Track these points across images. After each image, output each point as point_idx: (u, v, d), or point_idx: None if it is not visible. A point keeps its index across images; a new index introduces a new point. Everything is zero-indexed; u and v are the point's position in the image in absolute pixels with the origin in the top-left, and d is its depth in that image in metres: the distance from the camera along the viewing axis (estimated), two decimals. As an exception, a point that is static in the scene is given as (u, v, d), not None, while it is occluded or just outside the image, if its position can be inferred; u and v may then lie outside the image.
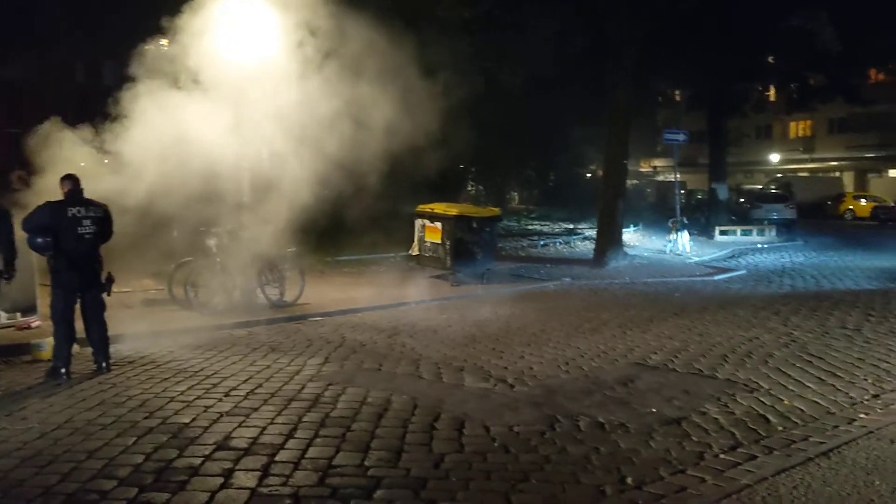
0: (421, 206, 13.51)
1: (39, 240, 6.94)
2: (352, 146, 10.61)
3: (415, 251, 13.54)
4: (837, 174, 49.03)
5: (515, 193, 43.96)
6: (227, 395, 6.25)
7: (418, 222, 13.39)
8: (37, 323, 8.71)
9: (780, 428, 5.53)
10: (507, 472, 4.67)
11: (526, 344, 8.42)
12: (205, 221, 10.03)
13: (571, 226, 27.07)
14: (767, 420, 5.72)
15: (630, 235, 23.31)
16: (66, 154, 9.00)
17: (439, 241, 12.95)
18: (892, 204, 38.30)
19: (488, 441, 5.21)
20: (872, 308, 11.01)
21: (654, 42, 17.74)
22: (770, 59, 27.37)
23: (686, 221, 23.80)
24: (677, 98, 42.88)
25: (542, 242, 21.70)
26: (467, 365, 7.37)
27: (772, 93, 37.65)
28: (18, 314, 8.78)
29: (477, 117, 18.26)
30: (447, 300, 11.66)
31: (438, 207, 13.26)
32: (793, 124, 52.32)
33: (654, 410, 5.92)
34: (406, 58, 13.80)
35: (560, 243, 22.09)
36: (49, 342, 7.18)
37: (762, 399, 6.28)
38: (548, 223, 28.37)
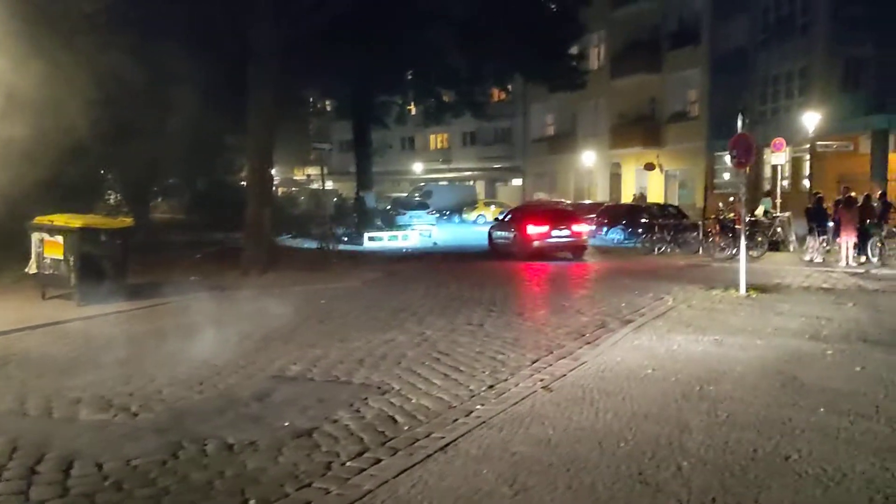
0: (39, 219, 12.02)
1: None
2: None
3: (32, 269, 12.01)
4: (471, 182, 54.02)
5: (162, 202, 41.52)
6: None
7: (36, 236, 11.89)
8: None
9: (405, 427, 5.76)
10: (117, 513, 4.23)
11: (157, 365, 7.82)
12: None
13: (222, 235, 26.21)
14: (395, 421, 5.92)
15: (283, 245, 23.22)
16: None
17: (61, 257, 11.63)
18: (515, 209, 43.11)
19: (99, 479, 4.69)
20: (494, 304, 12.13)
21: (297, 51, 17.84)
22: (408, 75, 29.20)
23: (337, 229, 24.39)
24: (327, 108, 43.96)
25: (188, 253, 20.67)
26: (85, 395, 6.62)
27: (412, 107, 40.27)
28: None
29: (112, 121, 16.86)
30: (70, 322, 10.46)
31: (59, 219, 11.88)
32: (432, 136, 56.62)
33: (287, 424, 5.81)
34: (18, 53, 12.27)
35: (209, 254, 21.23)
36: None
37: (392, 400, 6.50)
38: (196, 232, 27.16)
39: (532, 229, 20.90)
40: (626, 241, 25.61)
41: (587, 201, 36.24)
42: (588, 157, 41.01)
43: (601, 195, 40.32)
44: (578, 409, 6.11)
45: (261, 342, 9.12)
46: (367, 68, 23.68)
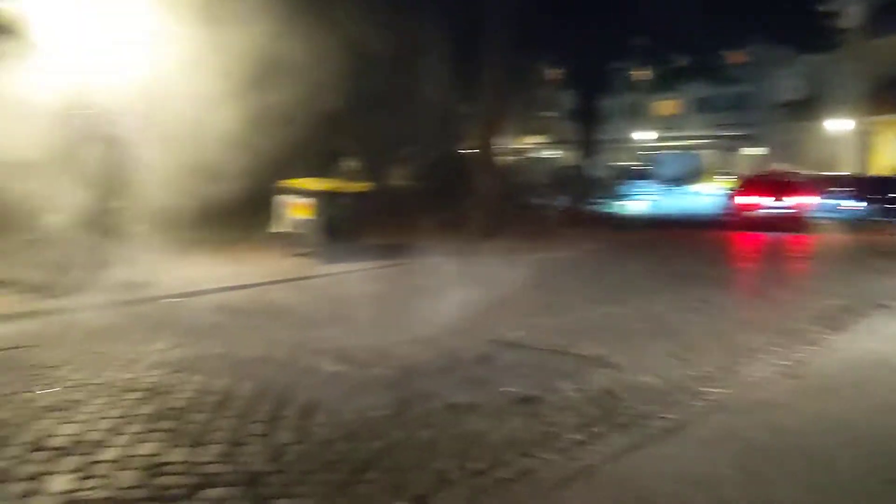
0: (286, 182, 13.03)
1: None
2: (220, 122, 10.09)
3: (280, 228, 13.06)
4: (702, 151, 51.44)
5: (398, 168, 43.42)
6: (53, 386, 5.74)
7: (283, 198, 12.90)
8: None
9: (630, 404, 5.56)
10: (351, 461, 4.45)
11: (388, 323, 8.20)
12: (47, 197, 9.27)
13: (452, 202, 26.92)
14: (619, 397, 5.74)
15: (508, 213, 23.45)
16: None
17: (306, 218, 12.54)
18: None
19: (335, 428, 4.97)
20: (725, 280, 11.47)
21: (526, 19, 17.82)
22: (639, 41, 28.22)
23: (559, 198, 24.22)
24: (553, 76, 43.68)
25: (420, 218, 21.45)
26: (324, 347, 7.06)
27: (641, 72, 38.96)
28: None
29: (356, 90, 17.84)
30: (311, 279, 11.28)
31: (305, 182, 12.83)
32: (661, 103, 54.42)
33: (508, 389, 5.84)
34: (277, 21, 13.24)
35: (440, 219, 21.91)
36: None
37: (616, 375, 6.32)
38: (428, 199, 28.12)
39: (743, 199, 20.81)
40: (881, 217, 23.11)
41: (832, 172, 33.08)
42: (836, 125, 37.40)
43: (850, 166, 36.66)
44: (823, 399, 5.59)
45: (484, 306, 9.23)
46: (597, 35, 23.16)
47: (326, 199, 12.46)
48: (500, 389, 5.82)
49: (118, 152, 9.82)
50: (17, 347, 6.96)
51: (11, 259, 9.43)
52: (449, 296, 9.64)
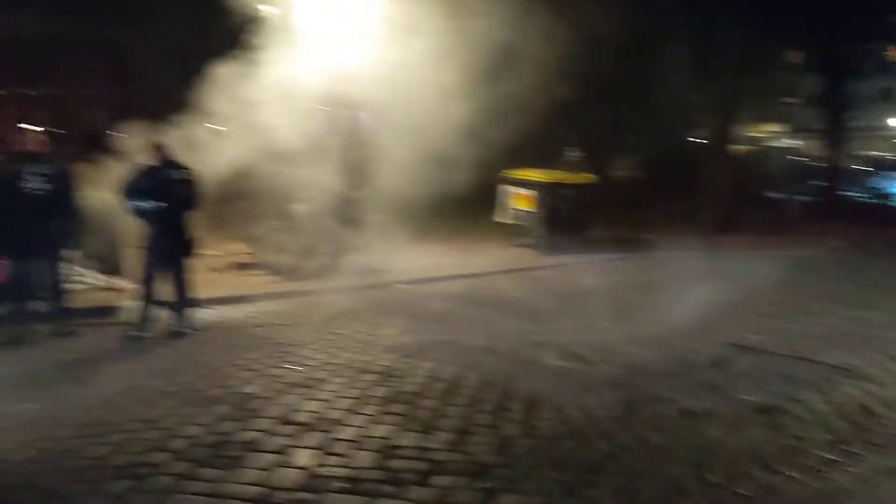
0: (510, 172, 13.12)
1: (141, 203, 7.03)
2: (453, 112, 10.35)
3: (503, 219, 13.19)
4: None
5: (621, 159, 42.18)
6: (298, 364, 6.17)
7: (506, 189, 13.01)
8: (125, 285, 8.84)
9: (889, 422, 5.01)
10: (579, 460, 4.37)
11: (612, 319, 7.95)
12: (296, 186, 10.00)
13: (679, 195, 25.79)
14: (875, 413, 5.18)
15: (742, 206, 22.10)
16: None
17: (530, 209, 12.56)
18: None
19: (561, 425, 4.91)
20: None
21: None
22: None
23: (799, 191, 22.45)
24: (794, 59, 40.56)
25: (644, 211, 20.76)
26: (547, 340, 7.02)
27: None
28: (118, 277, 8.97)
29: (584, 80, 17.56)
30: (534, 270, 11.29)
31: (529, 173, 12.86)
32: (921, 86, 48.54)
33: (746, 397, 5.45)
34: (505, 18, 13.36)
35: (665, 212, 21.08)
36: (132, 305, 7.28)
37: (870, 388, 5.72)
38: (653, 191, 27.14)
39: None
40: None
41: None
42: None
43: None
44: None
45: (715, 306, 8.65)
46: (847, 12, 21.10)
47: (548, 191, 12.42)
48: (739, 397, 5.45)
49: (360, 144, 10.39)
50: (266, 325, 7.59)
51: (264, 244, 10.30)
52: (680, 293, 9.19)
